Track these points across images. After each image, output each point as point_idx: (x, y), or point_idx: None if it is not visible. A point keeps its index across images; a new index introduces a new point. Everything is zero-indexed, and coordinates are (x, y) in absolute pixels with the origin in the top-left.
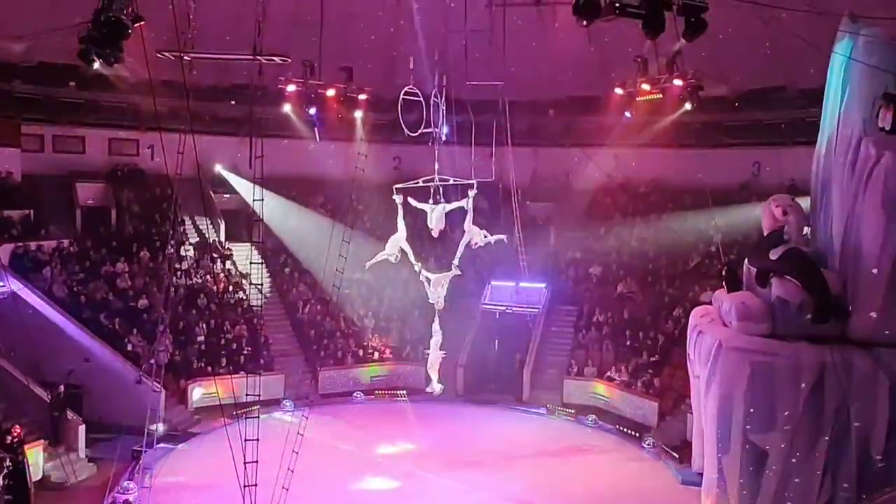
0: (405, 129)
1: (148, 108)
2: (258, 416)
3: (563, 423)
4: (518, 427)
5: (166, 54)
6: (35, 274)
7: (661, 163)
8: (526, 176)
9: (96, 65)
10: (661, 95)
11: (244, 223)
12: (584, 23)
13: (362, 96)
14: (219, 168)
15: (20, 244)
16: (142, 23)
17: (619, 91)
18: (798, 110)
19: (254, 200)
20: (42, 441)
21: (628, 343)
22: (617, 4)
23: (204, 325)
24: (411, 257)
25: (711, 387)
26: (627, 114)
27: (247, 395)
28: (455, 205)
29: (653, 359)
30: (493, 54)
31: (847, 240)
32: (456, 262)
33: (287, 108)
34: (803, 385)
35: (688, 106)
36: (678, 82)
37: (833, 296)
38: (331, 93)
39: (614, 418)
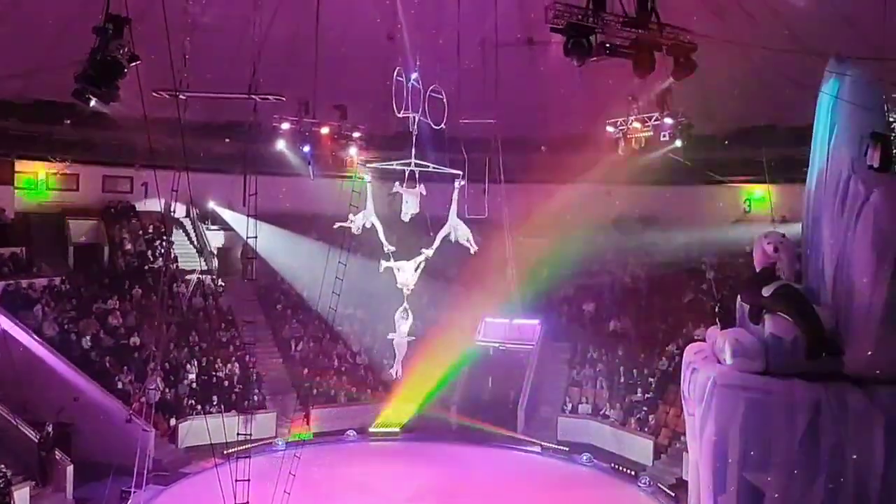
0: (395, 111)
1: (142, 146)
2: (249, 456)
3: (557, 461)
4: (512, 465)
5: (162, 93)
6: (26, 312)
7: (654, 199)
8: (519, 213)
9: (92, 103)
10: (651, 133)
11: (238, 260)
12: (576, 63)
13: (356, 134)
14: (212, 204)
15: (11, 282)
16: (137, 62)
17: (610, 129)
18: (788, 148)
19: (247, 237)
20: (29, 482)
21: (622, 380)
22: (607, 45)
23: (195, 363)
24: (381, 236)
25: (706, 425)
26: (619, 150)
27: (238, 434)
28: (423, 190)
29: (647, 396)
30: (485, 92)
31: (839, 277)
32: (430, 252)
33: (281, 145)
34: (799, 422)
35: (678, 143)
36: (669, 120)
37: (826, 332)
38: (325, 130)
39: (610, 456)
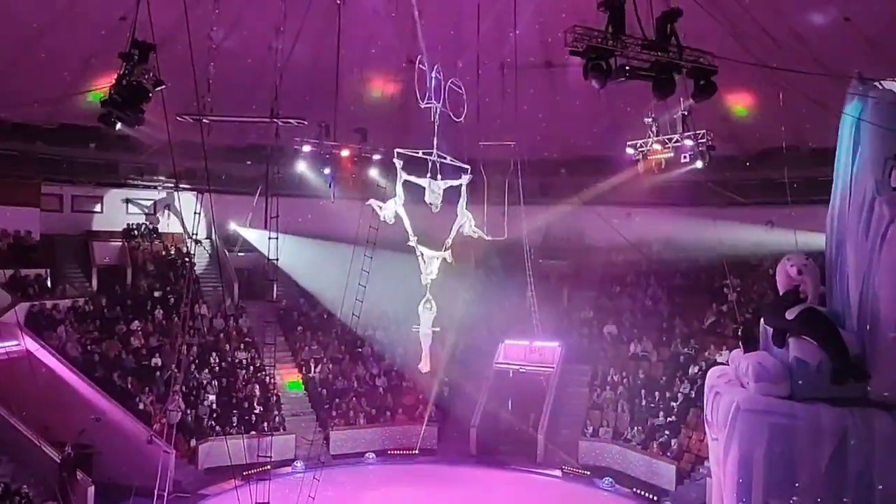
0: (419, 100)
1: (166, 169)
2: (269, 478)
3: (578, 485)
4: (533, 489)
5: (186, 117)
6: (49, 332)
7: (674, 221)
8: (538, 234)
9: (118, 127)
10: (672, 154)
11: (259, 281)
12: (596, 85)
13: (376, 156)
14: (234, 226)
15: (36, 303)
16: (162, 87)
17: (630, 150)
18: (810, 169)
19: (268, 260)
20: (51, 502)
21: (644, 403)
22: (627, 67)
23: (216, 384)
24: (408, 226)
25: (730, 450)
26: (639, 170)
27: (258, 455)
28: (451, 182)
29: (669, 420)
30: (505, 114)
31: (864, 300)
32: (449, 242)
33: (302, 167)
34: (824, 448)
35: (699, 164)
36: (689, 142)
37: (852, 356)
38: (345, 153)
39: (631, 481)
